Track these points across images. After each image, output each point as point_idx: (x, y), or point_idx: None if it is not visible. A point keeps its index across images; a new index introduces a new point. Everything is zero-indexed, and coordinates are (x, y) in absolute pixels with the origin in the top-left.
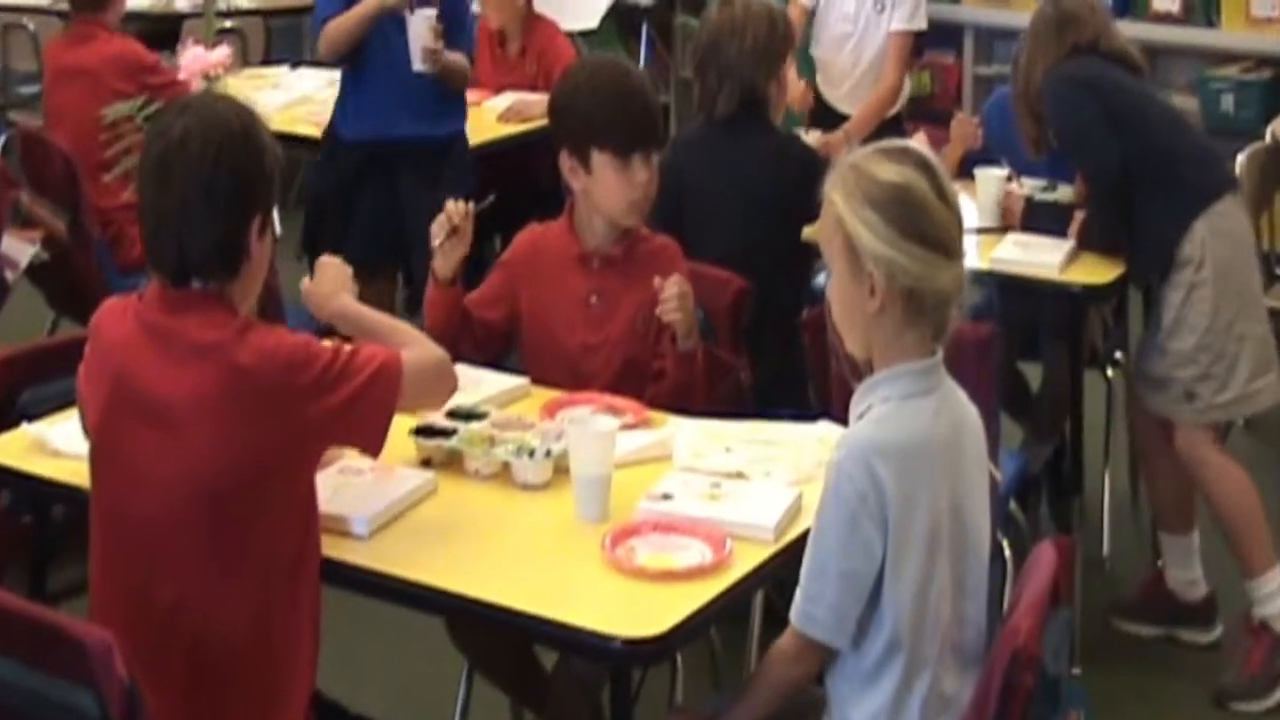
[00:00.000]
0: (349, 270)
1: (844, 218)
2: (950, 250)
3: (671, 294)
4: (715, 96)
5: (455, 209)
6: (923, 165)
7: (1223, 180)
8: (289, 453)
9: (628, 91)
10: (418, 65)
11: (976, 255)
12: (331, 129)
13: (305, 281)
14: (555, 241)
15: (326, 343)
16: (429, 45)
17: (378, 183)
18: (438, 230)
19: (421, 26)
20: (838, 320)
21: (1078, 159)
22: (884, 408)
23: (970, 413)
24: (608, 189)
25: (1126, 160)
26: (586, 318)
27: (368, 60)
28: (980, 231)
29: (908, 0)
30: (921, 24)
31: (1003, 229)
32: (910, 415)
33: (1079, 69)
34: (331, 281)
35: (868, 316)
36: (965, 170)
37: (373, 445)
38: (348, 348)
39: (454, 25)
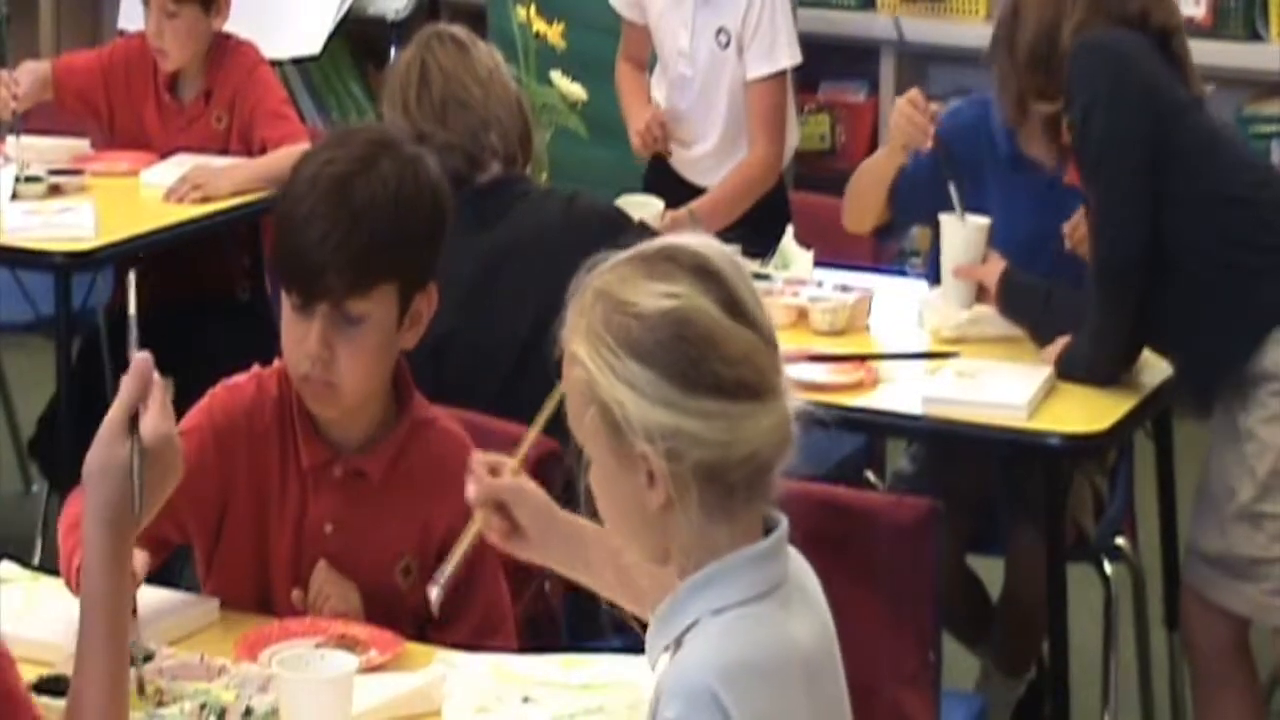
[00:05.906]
0: None
1: (595, 381)
2: (761, 387)
3: (312, 598)
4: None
5: None
6: (702, 272)
7: None
8: None
9: (305, 214)
10: None
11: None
12: None
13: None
14: (273, 424)
15: None
16: None
17: None
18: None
19: None
20: (610, 525)
21: (1094, 179)
22: (717, 622)
23: (825, 608)
24: (284, 343)
25: (1182, 231)
26: (320, 550)
27: None
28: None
29: (764, 29)
30: (791, 58)
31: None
32: (756, 623)
33: (1139, 57)
34: None
35: (651, 515)
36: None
37: None
38: None
39: None
